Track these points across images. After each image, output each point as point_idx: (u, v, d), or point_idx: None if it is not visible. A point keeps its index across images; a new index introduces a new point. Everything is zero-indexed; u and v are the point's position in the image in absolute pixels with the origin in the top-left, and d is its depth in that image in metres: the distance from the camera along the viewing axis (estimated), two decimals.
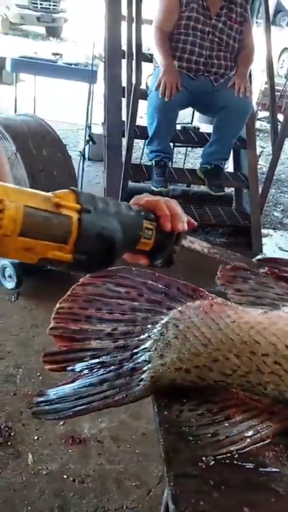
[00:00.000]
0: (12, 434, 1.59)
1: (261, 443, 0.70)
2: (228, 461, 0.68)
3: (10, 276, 2.27)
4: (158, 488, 1.43)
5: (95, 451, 1.56)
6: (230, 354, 0.75)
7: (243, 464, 0.68)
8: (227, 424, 0.73)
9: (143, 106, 2.86)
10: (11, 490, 1.40)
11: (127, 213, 0.63)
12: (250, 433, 0.71)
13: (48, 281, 2.48)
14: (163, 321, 0.81)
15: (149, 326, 0.83)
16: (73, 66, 3.43)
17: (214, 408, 0.75)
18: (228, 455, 0.68)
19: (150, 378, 0.77)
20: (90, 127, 3.52)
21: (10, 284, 2.29)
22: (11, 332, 2.08)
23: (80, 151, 3.21)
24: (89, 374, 0.82)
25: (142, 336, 0.83)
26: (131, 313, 0.85)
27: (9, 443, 1.55)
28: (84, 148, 3.28)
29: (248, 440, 0.71)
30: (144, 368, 0.79)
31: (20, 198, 0.51)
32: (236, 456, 0.69)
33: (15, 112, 3.37)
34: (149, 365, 0.78)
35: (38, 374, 1.81)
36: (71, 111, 4.99)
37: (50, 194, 0.55)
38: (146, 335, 0.82)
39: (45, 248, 0.54)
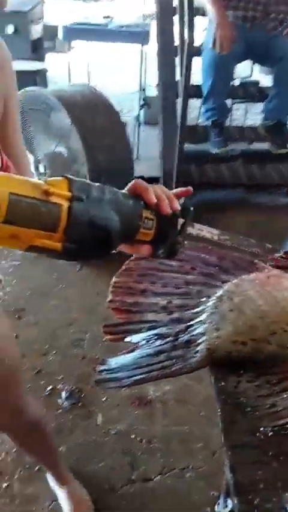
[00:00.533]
0: (82, 395, 1.69)
1: None
2: (286, 432, 0.68)
3: None
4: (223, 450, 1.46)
5: (160, 412, 1.62)
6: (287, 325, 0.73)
7: None
8: (285, 395, 0.72)
9: (198, 63, 2.75)
10: (84, 448, 1.51)
11: (125, 202, 0.59)
12: None
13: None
14: (218, 294, 0.81)
15: (204, 299, 0.83)
16: (124, 29, 3.34)
17: (272, 379, 0.74)
18: (287, 426, 0.68)
19: (206, 350, 0.78)
20: (144, 90, 3.46)
21: None
22: (76, 300, 2.17)
23: (135, 116, 3.17)
24: (146, 345, 0.84)
25: (197, 309, 0.83)
26: (185, 287, 0.85)
27: (79, 404, 1.65)
28: (139, 113, 3.23)
29: None
30: (200, 340, 0.80)
31: (6, 185, 0.50)
32: None
33: (69, 80, 3.38)
34: (205, 337, 0.79)
35: (104, 339, 1.88)
36: (125, 74, 4.90)
37: (40, 181, 0.53)
38: (201, 307, 0.83)
39: (32, 236, 0.52)
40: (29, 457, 1.40)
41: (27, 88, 2.35)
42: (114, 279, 0.89)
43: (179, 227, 0.66)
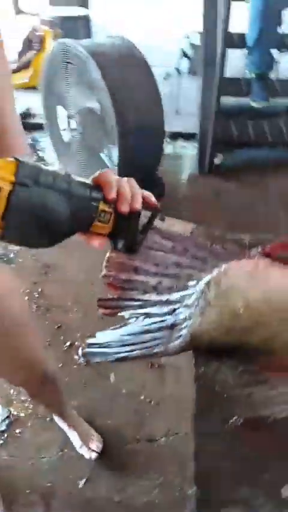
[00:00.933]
0: None
1: None
2: (258, 424, 0.67)
3: None
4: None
5: (171, 376, 1.65)
6: (273, 320, 0.71)
7: (274, 428, 0.67)
8: (264, 387, 0.71)
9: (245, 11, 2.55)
10: (95, 403, 1.58)
11: (80, 192, 0.56)
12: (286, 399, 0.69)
13: None
14: (205, 280, 0.79)
15: (193, 283, 0.81)
16: None
17: (252, 370, 0.73)
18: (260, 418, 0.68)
19: (189, 335, 0.77)
20: (189, 37, 3.26)
21: None
22: (102, 261, 2.18)
23: (176, 67, 3.02)
24: (135, 324, 0.85)
25: (185, 292, 0.82)
26: (176, 268, 0.83)
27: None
28: (179, 62, 3.07)
29: (283, 406, 0.69)
30: (184, 325, 0.79)
31: None
32: (269, 420, 0.68)
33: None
34: (189, 322, 0.78)
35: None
36: (171, 19, 4.63)
37: None
38: (189, 291, 0.81)
39: None
40: (46, 409, 1.48)
41: (59, 39, 2.29)
42: (107, 254, 0.89)
43: (141, 225, 0.63)
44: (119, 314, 0.88)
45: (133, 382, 1.64)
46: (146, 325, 0.84)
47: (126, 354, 0.80)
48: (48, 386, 1.22)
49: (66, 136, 2.48)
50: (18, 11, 5.44)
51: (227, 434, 0.66)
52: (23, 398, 1.60)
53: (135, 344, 0.82)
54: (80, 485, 1.39)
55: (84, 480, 1.40)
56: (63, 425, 1.48)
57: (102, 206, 0.59)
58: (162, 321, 0.82)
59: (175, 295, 0.83)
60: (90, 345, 0.87)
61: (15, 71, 3.71)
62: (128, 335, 0.84)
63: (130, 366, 1.69)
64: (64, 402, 1.41)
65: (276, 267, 0.73)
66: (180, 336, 0.78)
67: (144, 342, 0.81)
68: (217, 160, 2.93)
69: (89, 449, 1.44)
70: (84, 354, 0.86)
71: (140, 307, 0.85)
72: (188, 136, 3.18)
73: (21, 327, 1.06)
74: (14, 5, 5.39)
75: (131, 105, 2.11)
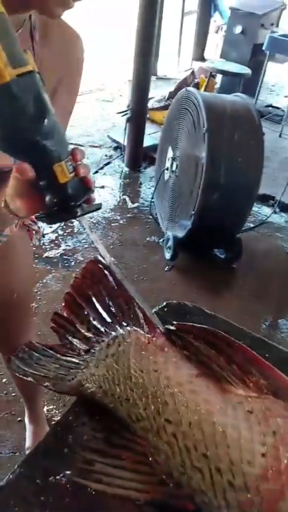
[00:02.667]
0: None
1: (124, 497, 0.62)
2: (80, 493, 0.63)
3: (170, 248, 2.37)
4: None
5: None
6: (139, 402, 0.67)
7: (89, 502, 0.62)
8: (110, 461, 0.67)
9: None
10: None
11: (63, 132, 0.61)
12: (122, 483, 0.64)
13: (199, 262, 2.54)
14: (114, 335, 0.77)
15: (111, 332, 0.79)
16: None
17: (113, 440, 0.69)
18: (86, 487, 0.64)
19: (78, 381, 0.76)
20: None
21: (168, 254, 2.40)
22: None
23: None
24: (60, 349, 0.86)
25: (101, 339, 0.81)
26: (108, 313, 0.82)
27: None
28: None
29: (116, 488, 0.64)
30: (81, 369, 0.78)
31: None
32: (93, 493, 0.63)
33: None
34: (85, 369, 0.77)
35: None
36: None
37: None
38: (104, 339, 0.80)
39: None
40: (21, 394, 1.50)
41: (188, 88, 2.41)
42: (74, 275, 0.91)
43: (85, 202, 0.64)
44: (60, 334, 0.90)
45: None
46: (62, 355, 0.84)
47: (36, 376, 0.81)
48: None
49: (166, 175, 2.58)
50: (198, 58, 5.85)
51: (44, 485, 0.63)
52: (10, 388, 1.68)
53: (46, 369, 0.83)
54: None
55: None
56: (27, 420, 1.52)
57: (70, 157, 0.61)
58: (71, 358, 0.83)
59: (94, 339, 0.82)
60: (23, 353, 0.89)
61: (163, 108, 3.98)
62: (47, 358, 0.85)
63: None
64: (40, 398, 1.48)
65: (165, 352, 0.68)
66: (73, 379, 0.78)
67: (49, 371, 0.82)
68: None
69: None
70: (10, 360, 0.88)
71: (72, 335, 0.86)
72: None
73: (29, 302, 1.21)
74: (194, 52, 5.80)
75: (227, 162, 2.12)
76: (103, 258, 0.74)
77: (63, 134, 0.62)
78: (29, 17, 0.76)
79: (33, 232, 1.12)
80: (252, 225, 2.89)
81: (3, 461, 1.48)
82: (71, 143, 0.63)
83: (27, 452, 1.49)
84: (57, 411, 1.64)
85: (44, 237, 2.55)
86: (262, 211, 3.10)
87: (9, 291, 1.12)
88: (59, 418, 0.73)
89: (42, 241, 2.54)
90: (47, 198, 0.62)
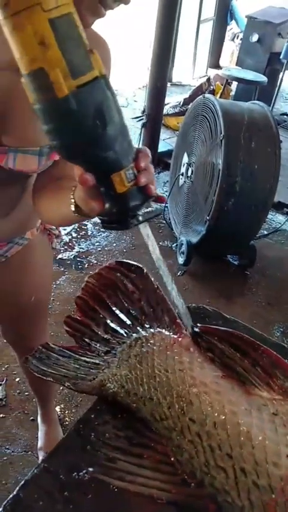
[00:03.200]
0: None
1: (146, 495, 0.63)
2: (101, 489, 0.64)
3: (183, 253, 2.38)
4: None
5: None
6: (163, 401, 0.68)
7: (112, 499, 0.63)
8: (132, 460, 0.68)
9: None
10: None
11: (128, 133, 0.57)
12: (144, 481, 0.65)
13: (212, 267, 2.54)
14: (136, 336, 0.78)
15: (131, 334, 0.81)
16: None
17: (135, 439, 0.70)
18: (108, 484, 0.64)
19: (99, 381, 0.77)
20: None
21: (181, 259, 2.41)
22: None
23: None
24: (78, 351, 0.87)
25: (122, 340, 0.82)
26: (126, 314, 0.84)
27: None
28: None
29: (138, 486, 0.65)
30: (102, 369, 0.79)
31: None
32: (115, 490, 0.64)
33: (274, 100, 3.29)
34: (106, 369, 0.78)
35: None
36: None
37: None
38: (124, 340, 0.81)
39: (56, 60, 0.48)
40: (34, 394, 1.52)
41: (206, 94, 2.43)
42: (87, 278, 0.93)
43: (147, 208, 0.61)
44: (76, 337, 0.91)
45: None
46: (80, 356, 0.86)
47: (56, 377, 0.83)
48: None
49: (181, 180, 2.60)
50: (213, 65, 5.88)
51: (67, 481, 0.64)
52: (23, 387, 1.70)
53: (66, 369, 0.84)
54: None
55: None
56: (39, 420, 1.53)
57: (133, 165, 0.58)
58: (91, 358, 0.84)
59: (113, 340, 0.83)
60: (40, 354, 0.90)
61: (178, 114, 4.01)
62: (66, 358, 0.87)
63: None
64: (51, 395, 1.49)
65: (190, 353, 0.69)
66: (95, 379, 0.79)
67: (70, 371, 0.83)
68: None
69: (45, 453, 1.46)
70: (27, 360, 0.89)
71: (89, 338, 0.88)
72: None
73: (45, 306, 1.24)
74: (210, 60, 5.83)
75: (244, 169, 2.13)
76: (152, 254, 0.72)
77: (129, 139, 0.58)
78: None
79: (54, 236, 1.14)
80: (266, 232, 2.89)
81: (15, 459, 1.50)
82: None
83: (39, 452, 1.50)
84: (69, 412, 1.65)
85: None
86: (276, 218, 3.10)
87: (26, 294, 1.13)
88: (72, 419, 0.74)
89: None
90: (106, 205, 0.61)
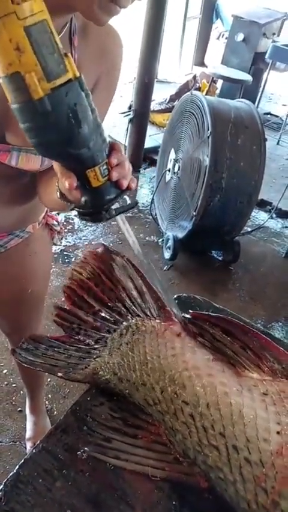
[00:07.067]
0: None
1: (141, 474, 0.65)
2: (98, 467, 0.66)
3: (169, 248, 2.41)
4: None
5: None
6: (156, 386, 0.70)
7: (108, 478, 0.65)
8: (127, 440, 0.70)
9: None
10: None
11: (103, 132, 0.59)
12: (138, 460, 0.67)
13: (197, 262, 2.58)
14: (126, 324, 0.81)
15: (121, 322, 0.83)
16: None
17: (130, 420, 0.73)
18: (105, 463, 0.67)
19: (92, 369, 0.79)
20: None
21: (167, 254, 2.44)
22: None
23: None
24: (67, 340, 0.89)
25: (112, 329, 0.84)
26: (116, 303, 0.86)
27: None
28: None
29: (133, 464, 0.67)
30: (94, 358, 0.81)
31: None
32: (112, 468, 0.66)
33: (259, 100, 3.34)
34: (98, 358, 0.80)
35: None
36: None
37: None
38: (114, 328, 0.83)
39: (31, 64, 0.50)
40: (24, 384, 1.52)
41: (193, 91, 2.46)
42: (73, 267, 0.94)
43: (119, 203, 0.65)
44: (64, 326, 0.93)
45: None
46: (70, 345, 0.87)
47: (45, 367, 0.84)
48: None
49: (168, 176, 2.62)
50: (198, 63, 5.91)
51: (64, 460, 0.66)
52: (11, 379, 1.71)
53: (55, 359, 0.85)
54: None
55: None
56: (27, 410, 1.55)
57: (107, 161, 0.61)
58: (82, 347, 0.85)
59: (104, 328, 0.85)
60: (23, 346, 0.91)
61: (164, 111, 4.03)
62: (55, 348, 0.88)
63: None
64: (41, 386, 1.50)
65: (181, 338, 0.72)
66: (87, 367, 0.80)
67: (60, 361, 0.85)
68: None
69: (33, 444, 1.48)
70: (15, 352, 0.90)
71: (78, 327, 0.89)
72: None
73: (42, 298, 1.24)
74: (195, 57, 5.86)
75: (230, 165, 2.17)
76: (133, 250, 0.75)
77: (103, 137, 0.61)
78: (70, 20, 0.76)
79: (56, 232, 1.15)
80: (249, 229, 2.94)
81: (3, 449, 1.51)
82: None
83: (27, 442, 1.51)
84: (57, 403, 1.67)
85: None
86: (259, 216, 3.16)
87: (24, 287, 1.15)
88: (60, 410, 0.76)
89: None
90: (82, 198, 0.64)
